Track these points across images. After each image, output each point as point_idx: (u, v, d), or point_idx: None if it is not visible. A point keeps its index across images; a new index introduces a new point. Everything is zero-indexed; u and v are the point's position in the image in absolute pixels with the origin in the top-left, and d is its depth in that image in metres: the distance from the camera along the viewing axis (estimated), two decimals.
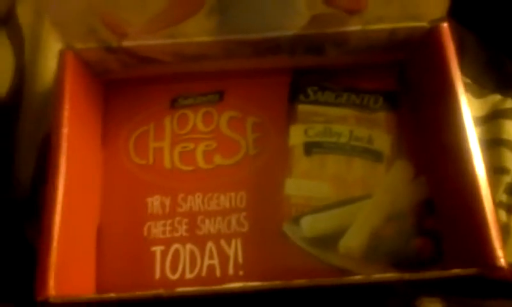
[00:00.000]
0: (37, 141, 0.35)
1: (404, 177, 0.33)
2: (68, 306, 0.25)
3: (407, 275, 0.26)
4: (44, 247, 0.26)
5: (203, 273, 0.30)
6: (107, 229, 0.31)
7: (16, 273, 0.29)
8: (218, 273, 0.30)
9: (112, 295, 0.25)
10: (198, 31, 0.31)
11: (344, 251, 0.31)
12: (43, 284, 0.25)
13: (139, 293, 0.26)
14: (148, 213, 0.32)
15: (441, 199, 0.31)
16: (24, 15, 0.36)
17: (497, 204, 0.34)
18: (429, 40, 0.32)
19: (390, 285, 0.29)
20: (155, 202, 0.32)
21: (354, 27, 0.31)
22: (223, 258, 0.31)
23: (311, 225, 0.32)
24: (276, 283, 0.25)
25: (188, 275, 0.30)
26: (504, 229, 0.33)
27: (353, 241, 0.31)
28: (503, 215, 0.34)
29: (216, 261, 0.31)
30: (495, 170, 0.35)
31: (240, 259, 0.31)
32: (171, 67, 0.34)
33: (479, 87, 0.39)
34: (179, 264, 0.31)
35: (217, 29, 0.31)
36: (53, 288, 0.25)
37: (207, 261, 0.31)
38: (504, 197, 0.35)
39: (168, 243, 0.31)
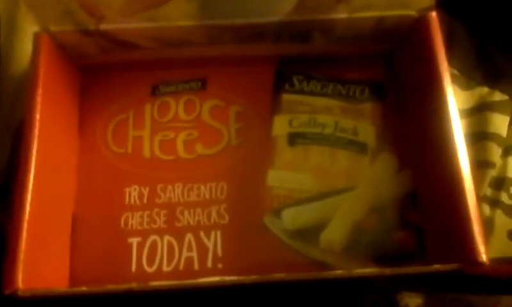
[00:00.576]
0: (12, 126, 0.34)
1: (388, 169, 0.32)
2: (39, 299, 0.24)
3: (387, 271, 0.26)
4: (13, 236, 0.25)
5: (181, 266, 0.30)
6: (82, 219, 0.31)
7: None
8: (196, 266, 0.30)
9: (84, 288, 0.24)
10: (178, 15, 0.30)
11: (325, 244, 0.30)
12: (11, 277, 0.24)
13: (111, 286, 0.25)
14: (125, 204, 0.31)
15: (425, 193, 0.31)
16: None
17: (481, 198, 0.34)
18: (416, 30, 0.31)
19: (371, 280, 0.29)
20: (133, 192, 0.31)
21: (341, 14, 0.30)
22: (202, 251, 0.30)
23: (292, 217, 0.31)
24: (253, 278, 0.25)
25: (165, 268, 0.30)
26: (487, 224, 0.33)
27: (335, 234, 0.31)
28: (487, 209, 0.34)
29: (194, 254, 0.30)
30: (480, 164, 0.35)
31: (219, 252, 0.30)
32: (151, 53, 0.33)
33: (466, 79, 0.38)
34: (156, 256, 0.30)
35: (199, 13, 0.30)
36: (22, 280, 0.24)
37: (185, 254, 0.30)
38: (488, 191, 0.35)
39: (145, 234, 0.30)
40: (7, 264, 0.24)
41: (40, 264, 0.26)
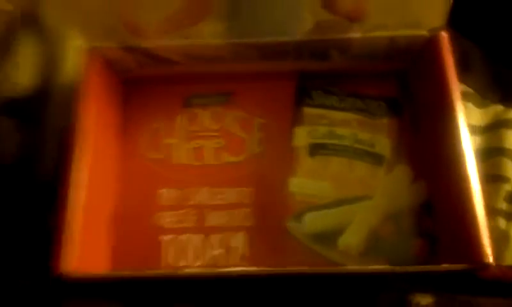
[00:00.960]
0: (59, 133, 0.36)
1: (403, 180, 0.34)
2: (82, 282, 0.27)
3: (398, 268, 0.27)
4: (61, 228, 0.28)
5: (208, 263, 0.32)
6: (121, 216, 0.33)
7: (35, 254, 0.31)
8: (222, 264, 0.32)
9: (126, 272, 0.27)
10: (209, 34, 0.33)
11: (343, 248, 0.32)
12: (59, 260, 0.27)
13: (149, 272, 0.27)
14: (159, 204, 0.34)
15: (439, 203, 0.33)
16: (47, 14, 0.38)
17: (497, 212, 0.35)
18: (428, 49, 0.33)
19: (384, 278, 0.31)
20: (165, 194, 0.34)
21: (355, 34, 0.33)
22: (227, 250, 0.32)
23: (312, 222, 0.33)
24: (273, 269, 0.27)
25: (193, 264, 0.32)
26: (503, 236, 0.34)
27: (352, 238, 0.33)
28: (503, 222, 0.35)
29: (220, 252, 0.32)
30: (496, 178, 0.36)
31: (243, 251, 0.32)
32: (184, 67, 0.36)
33: (481, 98, 0.40)
34: (185, 253, 0.32)
35: (227, 32, 0.33)
36: (67, 265, 0.27)
37: (212, 252, 0.32)
38: (504, 205, 0.36)
39: (175, 233, 0.33)
40: (55, 251, 0.27)
41: (84, 253, 0.28)
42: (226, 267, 0.31)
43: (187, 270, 0.28)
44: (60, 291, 0.27)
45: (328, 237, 0.33)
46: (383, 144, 0.35)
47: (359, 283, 0.31)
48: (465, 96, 0.37)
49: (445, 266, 0.27)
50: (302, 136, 0.36)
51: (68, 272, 0.27)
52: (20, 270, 0.29)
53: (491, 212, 0.35)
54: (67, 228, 0.28)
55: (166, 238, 0.33)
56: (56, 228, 0.27)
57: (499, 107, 0.39)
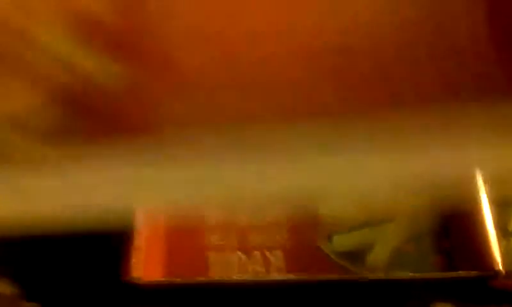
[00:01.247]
0: None
1: (424, 204, 0.38)
2: (148, 288, 0.32)
3: (418, 275, 0.32)
4: (131, 240, 0.33)
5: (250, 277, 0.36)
6: (174, 232, 0.38)
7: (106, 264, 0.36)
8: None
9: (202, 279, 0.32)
10: None
11: (371, 264, 0.36)
12: (129, 267, 0.32)
13: (217, 278, 0.32)
14: (206, 223, 0.38)
15: (454, 224, 0.37)
16: None
17: (509, 234, 0.38)
18: None
19: (406, 287, 0.35)
20: (212, 214, 0.39)
21: None
22: (267, 265, 0.37)
23: (341, 242, 0.37)
24: (308, 276, 0.32)
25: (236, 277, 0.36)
26: None
27: (378, 256, 0.37)
28: None
29: (260, 267, 0.37)
30: (507, 202, 0.39)
31: (281, 266, 0.37)
32: None
33: None
34: (229, 267, 0.37)
35: None
36: (136, 271, 0.32)
37: (253, 267, 0.37)
38: None
39: (220, 249, 0.38)
40: (126, 258, 0.32)
41: (146, 263, 0.33)
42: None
43: (236, 276, 0.32)
44: (129, 296, 0.32)
45: (356, 256, 0.37)
46: None
47: (384, 291, 0.35)
48: None
49: (457, 273, 0.32)
50: None
51: (138, 278, 0.32)
52: (92, 277, 0.34)
53: (504, 233, 0.38)
54: (135, 240, 0.33)
55: (211, 255, 0.37)
56: (125, 240, 0.32)
57: None
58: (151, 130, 0.20)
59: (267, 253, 0.37)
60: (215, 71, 0.22)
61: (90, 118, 0.19)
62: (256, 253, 0.37)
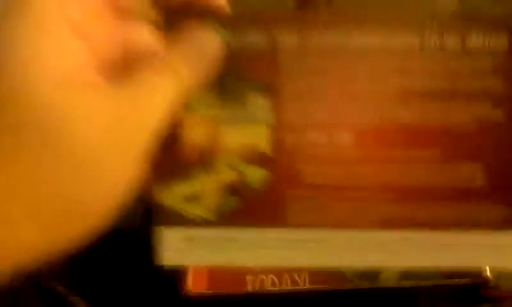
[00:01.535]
0: None
1: None
2: (201, 298, 0.40)
3: (407, 283, 0.39)
4: None
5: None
6: None
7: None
8: None
9: (249, 289, 0.40)
10: None
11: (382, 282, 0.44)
12: (185, 282, 0.40)
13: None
14: None
15: None
16: None
17: None
18: None
19: (411, 294, 0.42)
20: None
21: None
22: (295, 285, 0.44)
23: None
24: (328, 286, 0.39)
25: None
26: None
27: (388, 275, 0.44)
28: None
29: (290, 287, 0.45)
30: None
31: (307, 285, 0.44)
32: None
33: None
34: (264, 287, 0.45)
35: None
36: (191, 285, 0.40)
37: (283, 287, 0.45)
38: None
39: (256, 273, 0.45)
40: (181, 274, 0.41)
41: (197, 278, 0.42)
42: None
43: (270, 288, 0.40)
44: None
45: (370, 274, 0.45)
46: None
47: (393, 299, 0.42)
48: None
49: (452, 280, 0.39)
50: None
51: (189, 290, 0.40)
52: (150, 290, 0.42)
53: None
54: None
55: (249, 278, 0.45)
56: None
57: None
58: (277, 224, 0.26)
59: (295, 275, 0.45)
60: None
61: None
62: (286, 275, 0.45)
